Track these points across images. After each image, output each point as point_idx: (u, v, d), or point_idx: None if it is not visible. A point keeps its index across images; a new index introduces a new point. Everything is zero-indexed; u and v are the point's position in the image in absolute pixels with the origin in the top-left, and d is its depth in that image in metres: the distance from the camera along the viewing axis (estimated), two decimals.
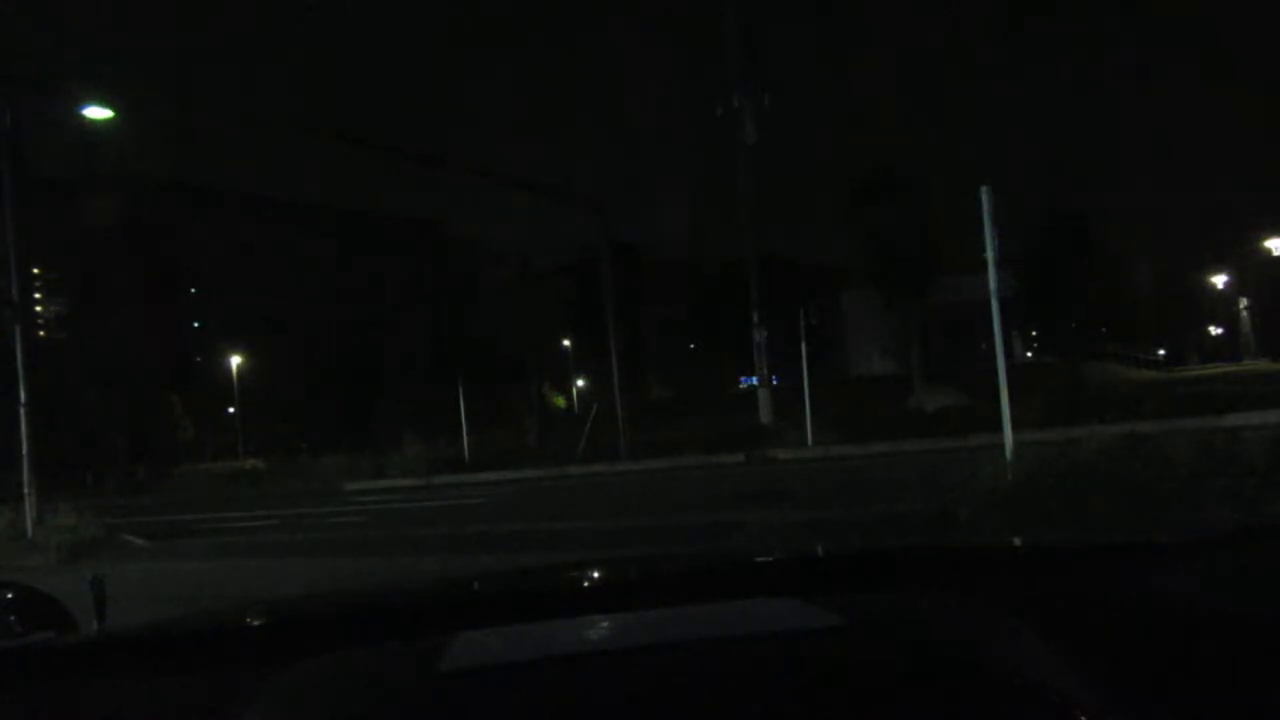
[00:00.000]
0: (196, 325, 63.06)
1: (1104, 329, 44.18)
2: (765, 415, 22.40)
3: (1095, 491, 7.10)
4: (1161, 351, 64.82)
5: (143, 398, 40.91)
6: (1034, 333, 50.97)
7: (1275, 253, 57.90)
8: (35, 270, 52.06)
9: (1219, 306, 66.12)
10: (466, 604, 1.52)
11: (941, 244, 22.78)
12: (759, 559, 1.86)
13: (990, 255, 9.09)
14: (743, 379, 45.20)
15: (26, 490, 13.11)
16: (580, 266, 32.15)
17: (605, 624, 1.23)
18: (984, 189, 9.07)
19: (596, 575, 1.70)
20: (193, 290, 64.44)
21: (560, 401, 47.03)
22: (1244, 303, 61.81)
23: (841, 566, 1.63)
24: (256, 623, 1.49)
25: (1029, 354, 51.58)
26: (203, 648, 1.32)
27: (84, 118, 15.63)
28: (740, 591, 1.33)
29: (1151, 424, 10.59)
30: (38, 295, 54.62)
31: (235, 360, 53.91)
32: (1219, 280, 63.92)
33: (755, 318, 23.53)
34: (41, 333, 50.03)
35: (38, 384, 14.42)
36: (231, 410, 54.15)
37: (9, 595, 1.62)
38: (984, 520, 7.41)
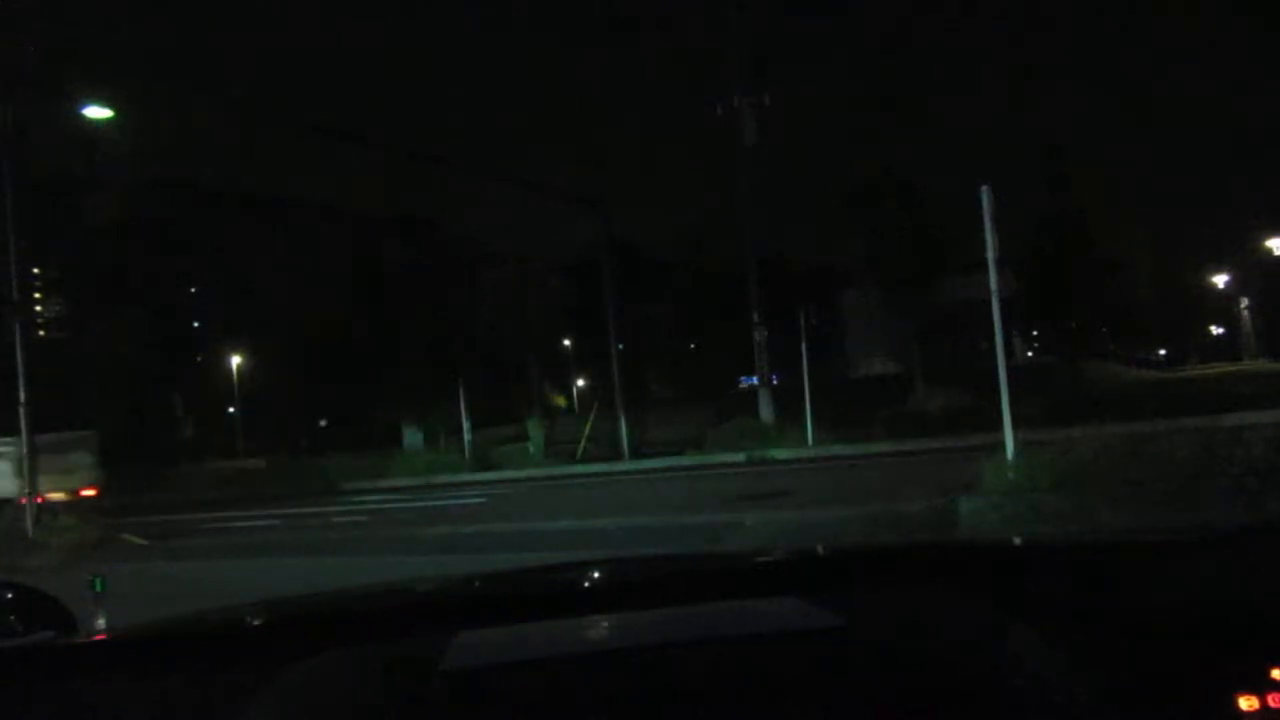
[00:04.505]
0: (196, 325, 63.09)
1: (1104, 329, 44.14)
2: (765, 415, 22.38)
3: (1095, 491, 7.10)
4: (1162, 351, 64.82)
5: (143, 397, 40.87)
6: (1034, 333, 50.95)
7: (1275, 253, 57.87)
8: (35, 270, 52.06)
9: (1219, 306, 66.09)
10: (466, 604, 1.52)
11: (942, 244, 22.75)
12: (759, 559, 1.86)
13: (990, 255, 9.09)
14: (743, 379, 45.17)
15: (27, 490, 13.12)
16: (580, 266, 32.12)
17: (605, 624, 1.23)
18: (984, 189, 9.07)
19: (596, 575, 1.70)
20: (193, 290, 64.46)
21: (561, 401, 47.01)
22: (1244, 303, 61.79)
23: (842, 566, 1.63)
24: (257, 623, 1.49)
25: (1029, 354, 51.57)
26: (203, 648, 1.32)
27: (84, 118, 15.64)
28: (740, 591, 1.32)
29: (1152, 424, 10.59)
30: (38, 295, 54.63)
31: (235, 360, 53.93)
32: (1219, 280, 63.90)
33: (755, 317, 23.51)
34: (41, 332, 50.02)
35: (38, 384, 14.41)
36: (231, 410, 54.18)
37: (9, 595, 1.62)
38: (984, 520, 7.41)
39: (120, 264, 46.57)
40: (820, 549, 1.90)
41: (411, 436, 29.38)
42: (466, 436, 25.28)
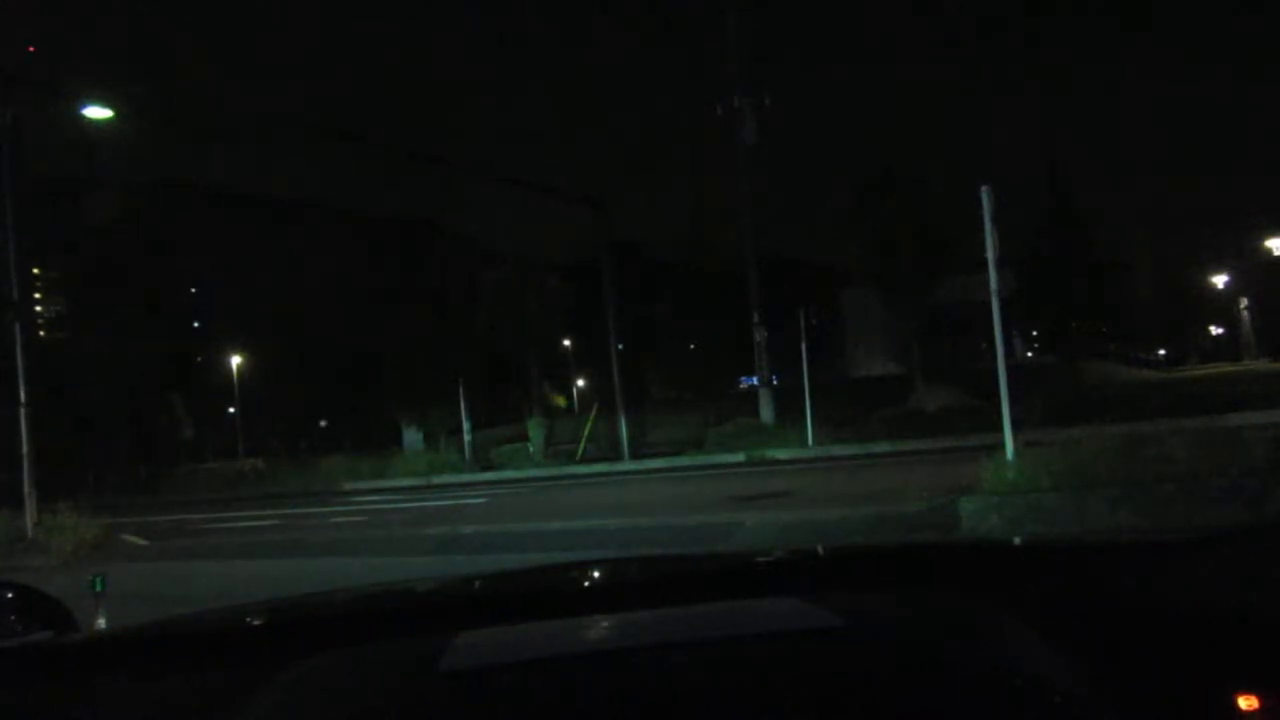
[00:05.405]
0: (196, 325, 63.12)
1: (1104, 329, 44.17)
2: (766, 415, 22.39)
3: (1095, 491, 7.10)
4: (1162, 351, 64.85)
5: (143, 397, 40.88)
6: (1034, 333, 50.95)
7: (1275, 253, 57.90)
8: (35, 270, 52.07)
9: (1219, 306, 66.08)
10: (466, 604, 1.52)
11: (942, 244, 22.74)
12: (759, 559, 1.86)
13: (990, 255, 9.08)
14: (743, 379, 45.21)
15: (26, 490, 13.11)
16: (580, 266, 32.14)
17: (606, 624, 1.23)
18: (984, 189, 9.06)
19: (596, 575, 1.70)
20: (193, 290, 64.49)
21: (561, 401, 47.00)
22: (1244, 303, 61.77)
23: (842, 566, 1.63)
24: (256, 623, 1.49)
25: (1029, 354, 51.58)
26: (203, 648, 1.32)
27: (84, 118, 15.63)
28: (740, 591, 1.33)
29: (1151, 424, 10.58)
30: (38, 295, 54.63)
31: (235, 360, 53.96)
32: (1219, 280, 63.90)
33: (755, 318, 23.52)
34: (41, 333, 50.03)
35: (38, 384, 14.41)
36: (231, 410, 54.19)
37: (9, 595, 1.62)
38: (984, 520, 7.41)
39: (121, 264, 46.56)
40: (820, 549, 1.90)
41: (411, 437, 29.37)
42: (466, 437, 25.26)
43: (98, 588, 2.42)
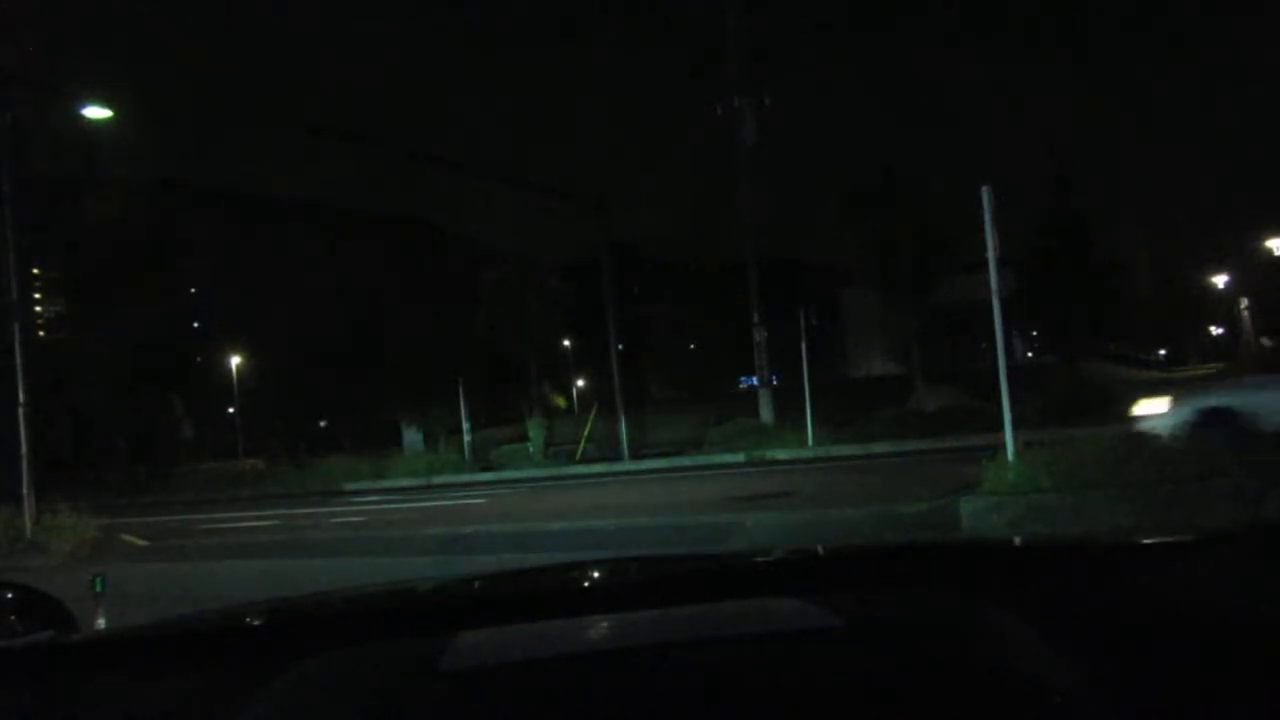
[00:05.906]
0: (196, 325, 63.11)
1: (1104, 329, 44.09)
2: (765, 415, 22.39)
3: (1095, 491, 7.10)
4: (1162, 352, 64.80)
5: (143, 397, 40.85)
6: (1034, 333, 50.92)
7: (1275, 253, 57.85)
8: (35, 270, 52.08)
9: (1219, 306, 66.01)
10: (466, 604, 1.52)
11: (942, 244, 22.72)
12: (759, 559, 1.86)
13: (990, 255, 9.08)
14: (743, 379, 45.23)
15: (25, 490, 13.10)
16: (580, 266, 32.15)
17: (605, 624, 1.23)
18: (985, 189, 9.06)
19: (596, 575, 1.70)
20: (193, 290, 64.47)
21: (561, 402, 46.96)
22: (1244, 303, 61.72)
23: (842, 566, 1.63)
24: (256, 623, 1.48)
25: (1030, 354, 51.59)
26: (203, 648, 1.32)
27: (84, 118, 15.63)
28: (740, 591, 1.32)
29: None
30: (38, 295, 54.64)
31: (235, 360, 53.98)
32: (1219, 280, 63.86)
33: (755, 318, 23.52)
34: (41, 333, 50.03)
35: (37, 384, 14.40)
36: (231, 410, 54.21)
37: (9, 595, 1.62)
38: (984, 520, 7.42)
39: (121, 264, 46.53)
40: (820, 549, 1.90)
41: (411, 437, 29.36)
42: (466, 437, 25.26)
43: (98, 588, 2.43)
